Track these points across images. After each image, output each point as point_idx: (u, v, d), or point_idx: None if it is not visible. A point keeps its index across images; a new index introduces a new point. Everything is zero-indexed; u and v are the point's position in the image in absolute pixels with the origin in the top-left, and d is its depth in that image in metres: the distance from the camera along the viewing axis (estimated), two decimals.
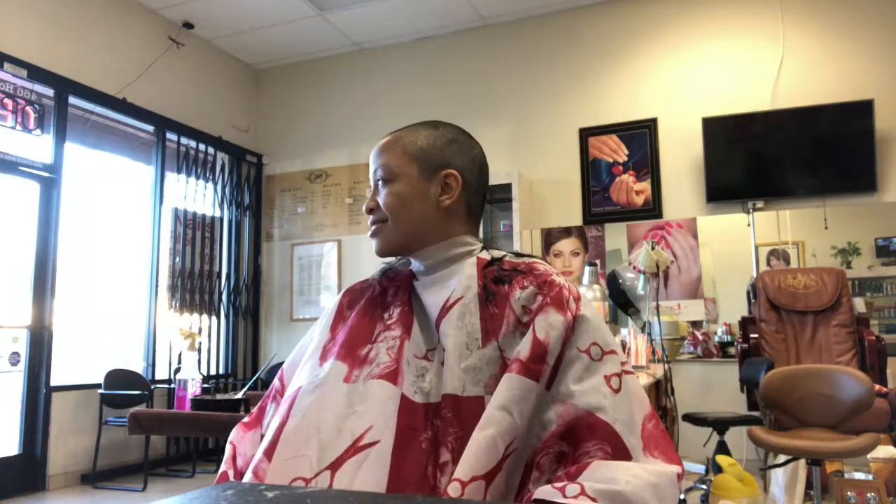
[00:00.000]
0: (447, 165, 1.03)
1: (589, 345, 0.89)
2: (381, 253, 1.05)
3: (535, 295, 0.93)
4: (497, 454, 0.81)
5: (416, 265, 1.05)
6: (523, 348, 0.88)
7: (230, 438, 1.04)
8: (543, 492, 0.78)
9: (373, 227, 1.05)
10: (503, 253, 1.03)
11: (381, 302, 1.04)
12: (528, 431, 0.85)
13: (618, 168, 4.77)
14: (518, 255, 1.03)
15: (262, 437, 0.99)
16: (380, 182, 1.04)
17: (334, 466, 0.86)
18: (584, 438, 0.84)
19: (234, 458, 1.01)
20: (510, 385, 0.85)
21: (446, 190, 1.02)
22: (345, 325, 1.04)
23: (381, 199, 1.03)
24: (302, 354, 1.07)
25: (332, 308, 1.09)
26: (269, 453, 0.91)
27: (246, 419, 1.07)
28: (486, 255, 1.01)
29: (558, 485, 0.78)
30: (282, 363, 1.13)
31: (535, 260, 1.01)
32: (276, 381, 1.09)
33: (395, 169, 1.02)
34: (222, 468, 1.01)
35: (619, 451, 0.83)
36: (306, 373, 0.99)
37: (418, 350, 0.96)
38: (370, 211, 1.06)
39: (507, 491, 0.83)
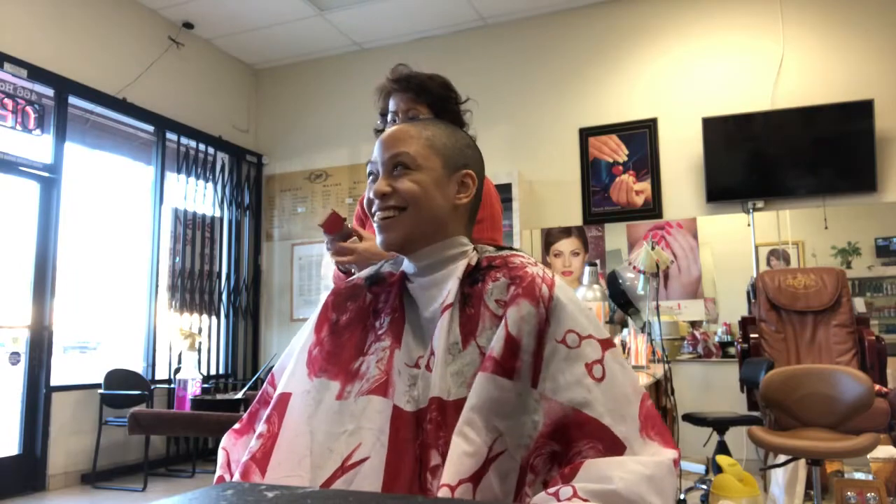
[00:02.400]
0: (465, 166, 1.04)
1: (565, 333, 0.87)
2: (393, 245, 1.00)
3: (507, 286, 0.92)
4: (480, 456, 0.81)
5: (408, 266, 1.03)
6: (496, 345, 0.87)
7: (222, 444, 1.03)
8: (539, 499, 0.78)
9: (383, 215, 0.99)
10: (485, 248, 1.03)
11: (373, 309, 1.03)
12: (518, 432, 0.84)
13: (618, 168, 4.77)
14: (499, 248, 1.03)
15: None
16: (397, 169, 0.99)
17: (325, 486, 0.86)
18: (574, 438, 0.82)
19: (228, 463, 1.00)
20: (483, 385, 0.84)
21: (462, 189, 1.03)
22: (334, 332, 1.03)
23: (398, 185, 0.98)
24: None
25: (318, 308, 1.08)
26: (260, 464, 0.91)
27: (237, 426, 1.06)
28: (474, 259, 1.00)
29: (551, 490, 0.77)
30: None
31: (512, 252, 1.00)
32: (267, 387, 1.08)
33: (420, 159, 0.99)
34: (218, 472, 1.00)
35: (612, 446, 0.81)
36: (295, 379, 0.99)
37: (409, 359, 0.95)
38: (383, 196, 0.99)
39: (503, 494, 0.82)
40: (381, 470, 0.85)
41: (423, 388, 0.90)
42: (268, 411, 0.97)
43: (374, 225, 1.01)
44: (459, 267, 0.98)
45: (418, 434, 0.87)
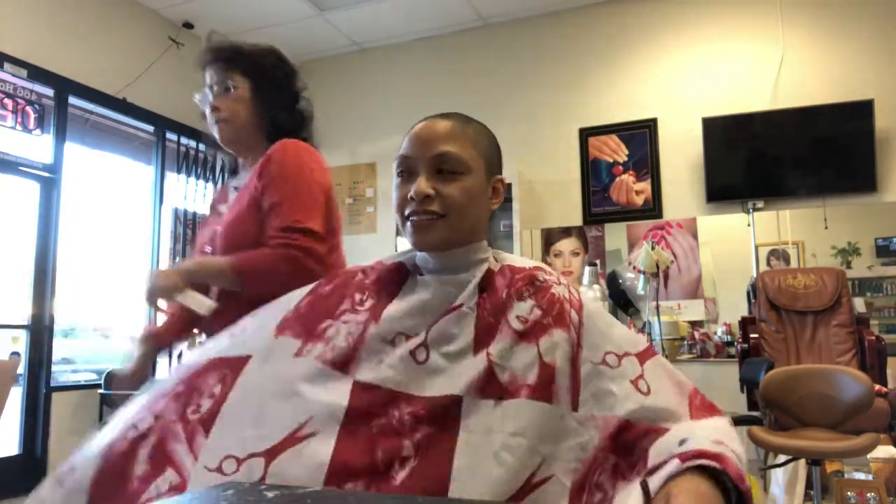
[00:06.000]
0: (499, 171, 1.03)
1: (603, 356, 0.87)
2: (430, 246, 0.96)
3: (532, 308, 0.91)
4: (518, 481, 0.79)
5: (426, 260, 1.00)
6: (530, 374, 0.85)
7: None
8: (652, 480, 0.73)
9: (418, 219, 0.94)
10: (504, 256, 1.02)
11: (359, 284, 1.00)
12: (565, 456, 0.82)
13: (618, 168, 4.76)
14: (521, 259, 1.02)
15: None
16: (443, 171, 0.94)
17: (271, 454, 0.82)
18: (635, 444, 0.83)
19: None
20: (520, 410, 0.82)
21: (495, 195, 1.01)
22: (314, 302, 1.00)
23: (446, 190, 0.94)
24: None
25: (301, 290, 1.05)
26: (206, 424, 0.87)
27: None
28: (494, 265, 0.99)
29: (641, 479, 0.76)
30: None
31: (537, 266, 0.98)
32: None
33: (469, 162, 0.96)
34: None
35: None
36: (257, 338, 0.95)
37: (388, 333, 0.91)
38: (426, 198, 0.93)
39: None
40: (331, 445, 0.82)
41: (403, 370, 0.88)
42: (219, 374, 0.93)
43: (408, 224, 0.96)
44: (478, 272, 0.96)
45: (385, 413, 0.84)
